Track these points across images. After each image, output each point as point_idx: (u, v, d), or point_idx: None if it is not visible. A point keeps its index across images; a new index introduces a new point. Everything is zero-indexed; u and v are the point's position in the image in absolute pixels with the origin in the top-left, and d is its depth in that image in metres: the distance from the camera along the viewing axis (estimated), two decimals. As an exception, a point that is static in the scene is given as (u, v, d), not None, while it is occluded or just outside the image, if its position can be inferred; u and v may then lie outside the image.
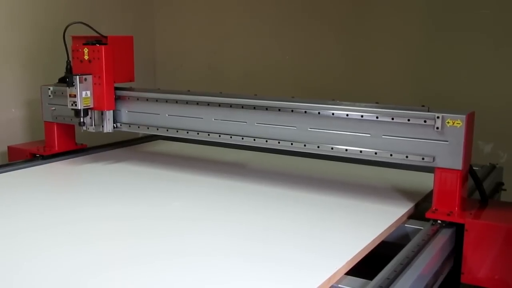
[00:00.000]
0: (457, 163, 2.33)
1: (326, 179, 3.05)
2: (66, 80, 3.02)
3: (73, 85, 3.02)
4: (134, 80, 3.24)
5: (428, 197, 2.65)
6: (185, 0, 5.01)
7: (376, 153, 2.51)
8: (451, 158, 2.34)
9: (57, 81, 3.45)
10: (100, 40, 3.12)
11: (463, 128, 2.30)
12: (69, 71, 3.11)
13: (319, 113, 2.62)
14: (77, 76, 3.02)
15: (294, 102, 2.70)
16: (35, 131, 3.90)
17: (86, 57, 3.08)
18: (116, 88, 3.24)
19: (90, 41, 3.10)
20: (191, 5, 5.00)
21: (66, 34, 3.12)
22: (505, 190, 3.12)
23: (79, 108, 3.05)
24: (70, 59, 3.15)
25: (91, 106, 3.10)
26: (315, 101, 2.66)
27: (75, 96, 3.03)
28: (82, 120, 3.11)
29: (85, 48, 3.07)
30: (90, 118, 3.18)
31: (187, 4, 5.02)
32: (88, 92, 3.07)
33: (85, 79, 3.05)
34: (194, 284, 1.78)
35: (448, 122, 2.33)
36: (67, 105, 3.39)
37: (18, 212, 2.47)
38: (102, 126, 3.18)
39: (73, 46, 3.15)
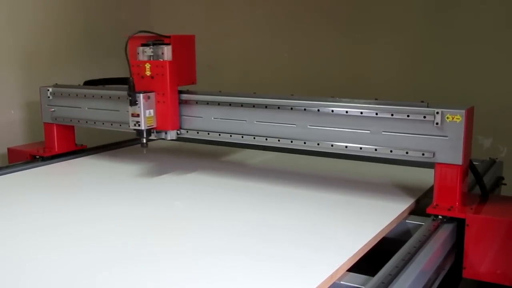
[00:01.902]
0: (457, 158, 2.33)
1: (326, 176, 3.05)
2: (129, 99, 2.79)
3: (136, 104, 2.78)
4: (196, 82, 3.03)
5: (428, 192, 2.65)
6: (182, -2, 5.01)
7: (376, 150, 2.51)
8: (451, 153, 2.34)
9: (83, 83, 3.41)
10: (161, 40, 2.90)
11: (463, 123, 2.30)
12: (132, 88, 2.81)
13: (318, 110, 2.62)
14: (141, 94, 2.78)
15: (294, 100, 2.70)
16: (35, 132, 3.90)
17: (148, 72, 2.85)
18: (113, 88, 3.24)
19: (151, 42, 2.90)
20: (188, 4, 5.00)
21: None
22: (505, 184, 3.12)
23: (143, 128, 2.82)
24: (132, 74, 2.87)
25: (154, 125, 2.88)
26: (314, 99, 2.66)
27: (138, 115, 2.79)
28: (145, 142, 2.89)
29: (147, 64, 2.85)
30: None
31: (184, 2, 5.01)
32: (152, 111, 2.84)
33: (149, 97, 2.82)
34: (196, 283, 1.78)
35: (447, 118, 2.33)
36: (66, 106, 3.41)
37: (18, 214, 2.47)
38: (165, 133, 2.95)
39: (130, 48, 2.91)
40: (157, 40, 2.89)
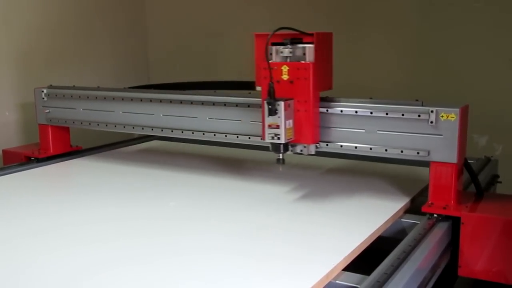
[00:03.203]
0: (452, 157, 2.34)
1: (322, 175, 3.05)
2: (268, 107, 2.36)
3: (276, 114, 2.38)
4: (332, 87, 2.62)
5: (424, 191, 2.65)
6: (178, -2, 5.01)
7: (371, 149, 2.51)
8: (446, 151, 2.34)
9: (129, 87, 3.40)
10: (300, 38, 2.47)
11: (457, 122, 2.30)
12: (272, 95, 2.38)
13: (313, 109, 2.62)
14: (282, 102, 2.37)
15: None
16: (30, 134, 3.89)
17: (285, 76, 2.44)
18: (108, 89, 3.23)
19: (288, 40, 2.46)
20: (183, 5, 4.99)
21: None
22: (500, 182, 3.13)
23: (283, 142, 2.41)
24: (272, 79, 2.39)
25: (292, 138, 2.47)
26: (309, 98, 2.66)
27: (277, 127, 2.39)
28: (282, 157, 2.49)
29: (284, 66, 2.44)
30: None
31: (179, 4, 5.01)
32: (291, 122, 2.44)
33: (289, 105, 2.41)
34: (192, 283, 1.78)
35: (442, 116, 2.33)
36: (61, 107, 3.41)
37: (14, 216, 2.46)
38: (304, 147, 2.54)
39: (256, 46, 2.52)
40: (295, 38, 2.48)
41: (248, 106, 2.79)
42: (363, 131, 2.52)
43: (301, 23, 4.39)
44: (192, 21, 4.96)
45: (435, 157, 2.37)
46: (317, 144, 2.55)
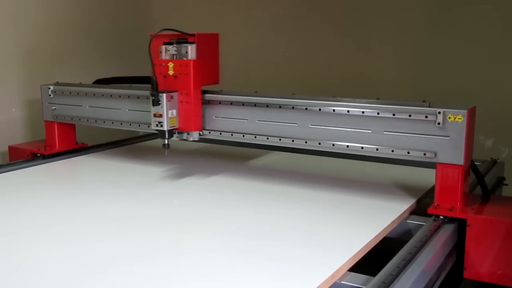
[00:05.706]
0: (459, 158, 2.33)
1: (327, 175, 3.04)
2: (152, 98, 2.72)
3: (159, 104, 2.72)
4: (219, 82, 2.94)
5: (430, 192, 2.64)
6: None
7: (377, 149, 2.50)
8: (453, 153, 2.34)
9: (93, 82, 3.41)
10: (185, 38, 2.81)
11: (465, 123, 2.30)
12: (155, 88, 2.72)
13: (320, 109, 2.62)
14: (164, 94, 2.71)
15: (295, 99, 2.70)
16: (36, 130, 3.90)
17: (171, 72, 2.79)
18: (114, 86, 3.22)
19: (175, 40, 2.81)
20: (188, 3, 4.99)
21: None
22: (506, 185, 3.12)
23: (165, 129, 2.76)
24: (154, 73, 2.76)
25: (176, 126, 2.82)
26: (316, 98, 2.66)
27: (160, 116, 2.73)
28: (167, 143, 2.84)
29: (170, 63, 2.78)
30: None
31: (185, 2, 5.01)
32: (174, 111, 2.78)
33: (172, 97, 2.76)
34: (196, 282, 1.78)
35: (449, 118, 2.32)
36: (67, 104, 3.41)
37: (19, 212, 2.47)
38: (188, 134, 2.89)
39: (152, 45, 2.77)
40: (181, 39, 2.81)
41: (255, 105, 2.78)
42: (370, 131, 2.51)
43: (306, 23, 4.43)
44: (197, 21, 4.96)
45: (442, 158, 2.37)
46: (201, 132, 2.90)
